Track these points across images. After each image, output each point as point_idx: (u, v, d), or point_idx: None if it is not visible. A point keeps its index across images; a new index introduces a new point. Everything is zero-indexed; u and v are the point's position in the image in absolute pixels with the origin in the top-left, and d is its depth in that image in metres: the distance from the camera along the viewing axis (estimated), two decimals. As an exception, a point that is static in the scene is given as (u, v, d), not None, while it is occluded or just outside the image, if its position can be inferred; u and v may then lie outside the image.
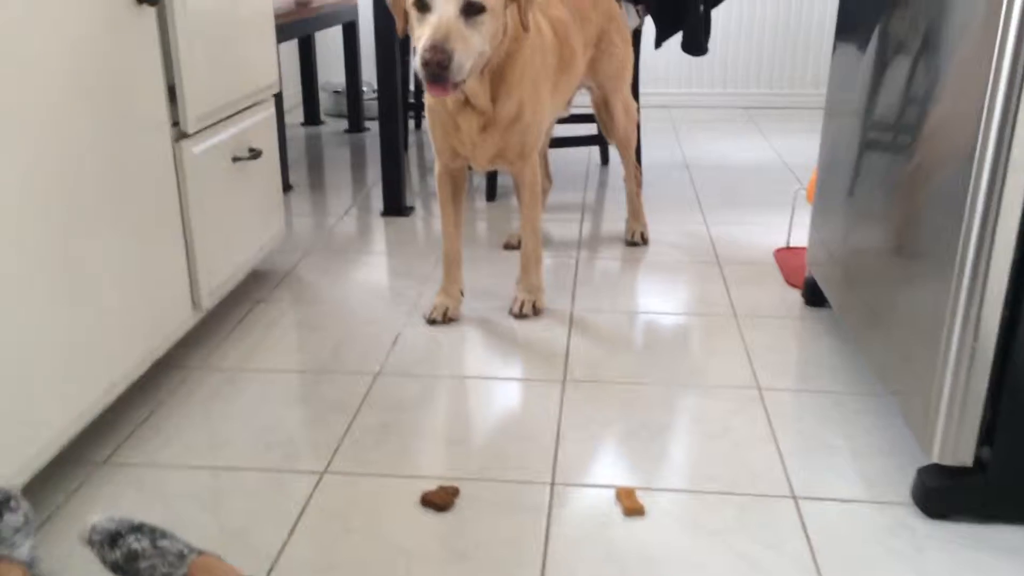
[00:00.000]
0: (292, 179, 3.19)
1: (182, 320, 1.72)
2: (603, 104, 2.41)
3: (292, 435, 1.56)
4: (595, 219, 2.77)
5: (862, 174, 1.71)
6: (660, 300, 2.15)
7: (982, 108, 1.17)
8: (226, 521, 1.33)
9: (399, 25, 1.74)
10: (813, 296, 2.08)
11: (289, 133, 3.86)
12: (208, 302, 1.82)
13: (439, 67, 1.57)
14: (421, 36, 1.60)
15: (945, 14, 1.33)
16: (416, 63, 1.59)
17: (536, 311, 2.05)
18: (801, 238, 2.47)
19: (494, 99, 1.83)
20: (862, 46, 1.71)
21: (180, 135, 1.68)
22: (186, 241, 1.72)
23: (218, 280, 1.85)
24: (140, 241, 1.54)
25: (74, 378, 1.36)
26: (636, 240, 2.53)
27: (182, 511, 1.35)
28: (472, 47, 1.63)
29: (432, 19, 1.60)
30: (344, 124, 4.06)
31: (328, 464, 1.47)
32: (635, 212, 2.56)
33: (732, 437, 1.56)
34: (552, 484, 1.42)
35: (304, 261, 2.39)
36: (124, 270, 1.49)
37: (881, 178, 1.59)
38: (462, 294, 2.08)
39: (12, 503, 0.90)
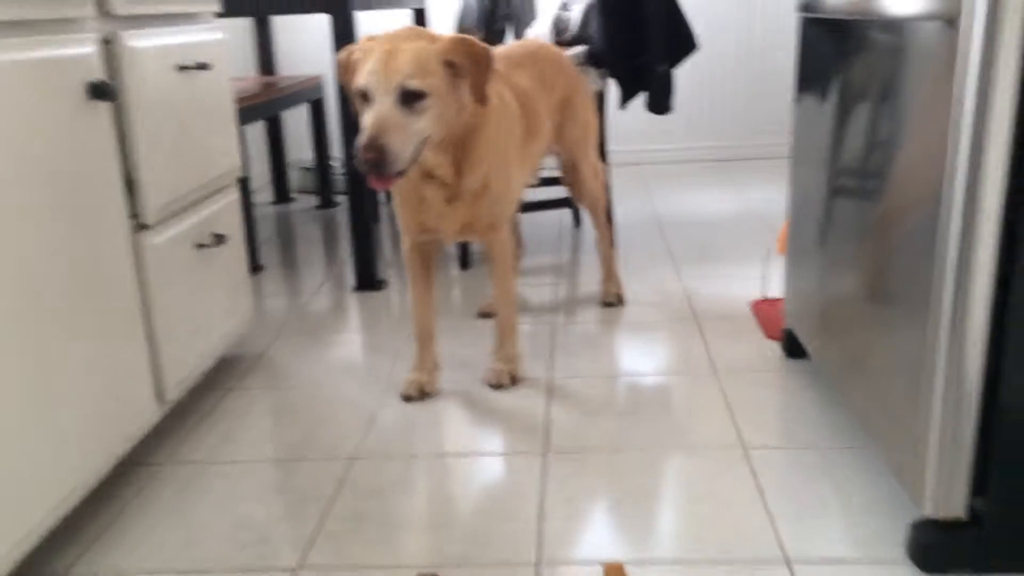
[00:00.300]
0: (263, 259, 3.16)
1: (147, 416, 1.66)
2: (571, 168, 2.40)
3: (265, 531, 1.50)
4: (571, 281, 2.75)
5: (833, 222, 1.70)
6: (639, 361, 2.11)
7: (948, 148, 1.16)
8: (196, 629, 1.26)
9: (354, 110, 1.74)
10: (792, 348, 2.05)
11: (259, 212, 3.85)
12: (174, 394, 1.76)
13: (375, 164, 1.57)
14: (363, 128, 1.60)
15: (903, 60, 1.33)
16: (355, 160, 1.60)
17: (513, 381, 2.01)
18: (777, 289, 2.46)
19: (459, 172, 1.82)
20: (823, 94, 1.72)
21: (139, 227, 1.65)
22: (148, 333, 1.67)
23: (184, 371, 1.80)
24: (99, 336, 1.49)
25: (29, 487, 1.30)
26: (612, 301, 2.51)
27: (149, 621, 1.29)
28: (411, 136, 1.62)
29: (370, 113, 1.61)
30: (315, 200, 4.05)
31: (302, 560, 1.41)
32: (609, 273, 2.54)
33: (719, 500, 1.51)
34: (537, 564, 1.37)
35: (275, 344, 2.35)
36: (82, 368, 1.44)
37: (852, 225, 1.58)
38: (437, 367, 2.04)
39: None
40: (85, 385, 1.45)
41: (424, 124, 1.64)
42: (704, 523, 1.45)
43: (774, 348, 2.13)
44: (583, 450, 1.70)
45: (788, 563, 1.34)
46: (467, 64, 1.69)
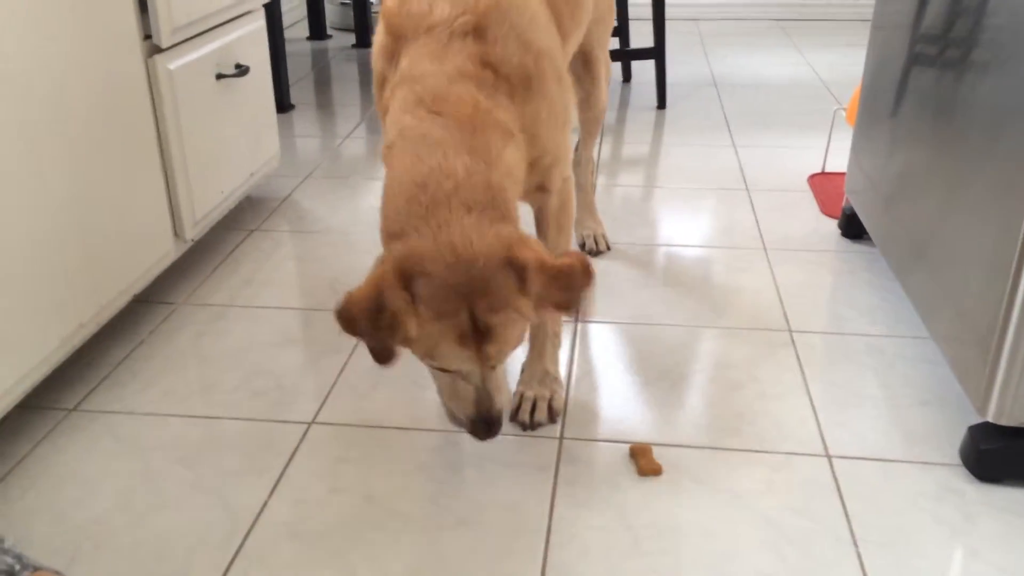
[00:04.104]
0: (294, 98, 3.01)
1: (163, 253, 1.58)
2: (584, 61, 1.74)
3: (282, 380, 1.44)
4: (616, 141, 2.59)
5: (910, 92, 1.52)
6: (683, 231, 1.99)
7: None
8: (204, 477, 1.22)
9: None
10: (851, 227, 1.91)
11: (293, 48, 3.67)
12: (193, 233, 1.68)
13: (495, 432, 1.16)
14: (448, 393, 1.19)
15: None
16: (457, 420, 1.19)
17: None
18: (839, 163, 2.28)
19: None
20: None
21: (153, 49, 1.52)
22: (164, 166, 1.57)
23: (204, 209, 1.71)
24: (111, 166, 1.40)
25: (38, 317, 1.24)
26: (597, 247, 1.90)
27: (157, 465, 1.25)
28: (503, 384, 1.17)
29: (471, 390, 1.14)
30: (352, 38, 3.85)
31: (317, 413, 1.36)
32: (589, 207, 1.94)
33: (759, 387, 1.42)
34: (560, 439, 1.30)
35: (303, 186, 2.25)
36: (93, 198, 1.35)
37: (934, 96, 1.40)
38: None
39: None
40: (97, 215, 1.36)
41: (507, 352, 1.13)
42: (740, 410, 1.36)
43: (831, 226, 1.99)
44: (617, 323, 1.61)
45: (829, 458, 1.25)
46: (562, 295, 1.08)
